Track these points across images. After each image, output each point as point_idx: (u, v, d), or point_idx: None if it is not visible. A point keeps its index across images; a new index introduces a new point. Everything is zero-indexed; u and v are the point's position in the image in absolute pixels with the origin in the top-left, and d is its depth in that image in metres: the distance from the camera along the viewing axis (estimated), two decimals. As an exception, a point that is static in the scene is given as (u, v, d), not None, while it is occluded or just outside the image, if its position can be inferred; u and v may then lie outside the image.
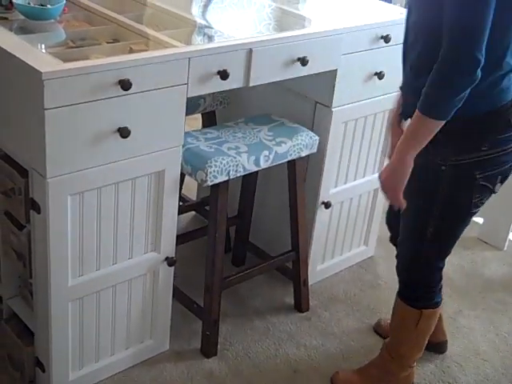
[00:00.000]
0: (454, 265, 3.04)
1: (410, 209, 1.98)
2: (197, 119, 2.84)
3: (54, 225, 1.86)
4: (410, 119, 1.90)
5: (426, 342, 2.23)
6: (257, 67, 2.18)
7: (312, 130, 2.48)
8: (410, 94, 1.94)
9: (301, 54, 2.29)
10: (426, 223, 2.00)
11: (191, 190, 3.08)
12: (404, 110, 2.02)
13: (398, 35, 2.53)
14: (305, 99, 2.54)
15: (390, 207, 2.18)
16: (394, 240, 2.31)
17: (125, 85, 1.86)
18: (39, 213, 1.86)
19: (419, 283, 2.12)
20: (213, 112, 2.74)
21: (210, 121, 2.75)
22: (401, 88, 2.06)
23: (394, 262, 2.88)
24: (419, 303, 2.13)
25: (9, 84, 1.89)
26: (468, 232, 3.12)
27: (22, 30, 2.14)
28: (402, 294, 2.16)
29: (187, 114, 2.09)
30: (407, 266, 2.12)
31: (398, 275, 2.17)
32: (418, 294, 2.13)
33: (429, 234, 2.00)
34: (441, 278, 2.13)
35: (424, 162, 1.90)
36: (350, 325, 2.62)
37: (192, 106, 2.53)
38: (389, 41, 2.52)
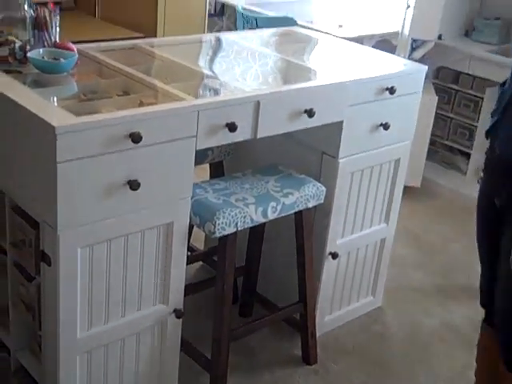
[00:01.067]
0: (462, 316, 3.01)
1: None
2: (204, 169, 2.86)
3: (64, 277, 1.86)
4: None
5: None
6: (264, 119, 2.21)
7: (319, 181, 2.49)
8: None
9: (307, 105, 2.32)
10: None
11: (199, 240, 3.08)
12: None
13: (403, 86, 2.59)
14: (311, 150, 2.57)
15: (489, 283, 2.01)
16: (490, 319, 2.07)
17: (135, 138, 1.89)
18: (50, 265, 1.87)
19: None
20: (220, 162, 2.77)
21: (217, 171, 2.78)
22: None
23: (402, 312, 2.85)
24: None
25: (22, 137, 1.92)
26: (476, 282, 3.10)
27: (36, 84, 2.18)
28: None
29: (195, 165, 2.11)
30: None
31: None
32: None
33: None
34: None
35: None
36: (359, 377, 2.58)
37: (200, 156, 2.55)
38: (394, 92, 2.56)
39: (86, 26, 3.73)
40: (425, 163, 3.90)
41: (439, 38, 3.91)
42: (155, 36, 3.76)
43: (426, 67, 2.73)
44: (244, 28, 4.28)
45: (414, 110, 2.74)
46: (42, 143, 1.81)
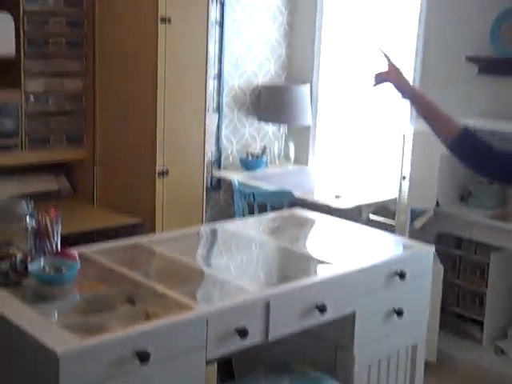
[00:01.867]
0: None
1: None
2: (212, 367, 2.71)
3: None
4: None
5: None
6: (275, 320, 2.13)
7: (335, 375, 2.36)
8: None
9: (318, 300, 2.25)
10: None
11: None
12: None
13: (412, 270, 2.53)
14: (324, 343, 2.46)
15: None
16: None
17: (142, 356, 1.79)
18: None
19: None
20: (229, 359, 2.64)
21: (226, 369, 2.64)
22: None
23: None
24: None
25: (21, 362, 1.81)
26: None
27: (36, 298, 2.11)
28: None
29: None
30: None
31: None
32: None
33: None
34: None
35: None
36: None
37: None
38: (404, 277, 2.50)
39: (85, 214, 3.73)
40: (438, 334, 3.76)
41: (437, 204, 3.93)
42: (154, 218, 3.75)
43: (434, 248, 2.71)
44: (241, 203, 4.30)
45: (425, 292, 2.67)
46: (42, 369, 1.71)
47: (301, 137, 5.06)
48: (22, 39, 3.43)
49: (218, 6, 4.60)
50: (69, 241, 2.42)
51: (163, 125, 3.66)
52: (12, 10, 3.36)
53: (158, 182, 3.75)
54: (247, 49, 4.84)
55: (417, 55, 4.33)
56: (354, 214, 4.15)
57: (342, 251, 2.71)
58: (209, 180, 4.75)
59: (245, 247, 2.71)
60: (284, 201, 4.15)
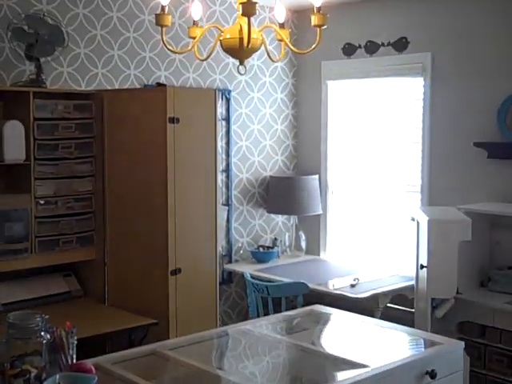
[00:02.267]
0: None
1: None
2: None
3: None
4: None
5: None
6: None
7: None
8: None
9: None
10: None
11: None
12: None
13: (443, 368, 2.42)
14: None
15: None
16: None
17: None
18: None
19: None
20: None
21: None
22: None
23: None
24: None
25: None
26: None
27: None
28: None
29: None
30: None
31: None
32: None
33: None
34: None
35: None
36: None
37: None
38: (435, 376, 2.39)
39: (96, 316, 3.63)
40: (467, 429, 3.58)
41: (457, 292, 3.83)
42: (168, 317, 3.65)
43: (463, 343, 2.59)
44: (254, 296, 4.20)
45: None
46: None
47: (311, 226, 5.02)
48: (32, 145, 3.45)
49: (224, 101, 4.66)
50: (82, 347, 2.33)
51: (174, 223, 3.63)
52: (23, 117, 3.40)
53: (171, 280, 3.68)
54: (254, 141, 4.87)
55: (424, 144, 4.34)
56: (371, 303, 4.05)
57: (367, 351, 2.59)
58: (220, 274, 4.68)
59: (266, 350, 2.60)
60: (298, 292, 4.06)
